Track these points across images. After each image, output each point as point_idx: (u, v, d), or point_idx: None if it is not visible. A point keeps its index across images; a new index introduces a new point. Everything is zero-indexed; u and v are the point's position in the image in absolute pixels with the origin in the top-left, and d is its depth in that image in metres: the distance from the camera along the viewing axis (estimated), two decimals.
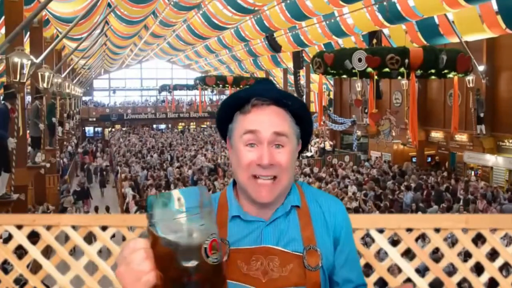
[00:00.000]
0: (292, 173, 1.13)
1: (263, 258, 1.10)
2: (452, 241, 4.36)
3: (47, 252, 2.46)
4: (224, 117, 1.18)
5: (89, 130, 38.39)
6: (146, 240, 0.83)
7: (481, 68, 15.77)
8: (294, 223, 1.14)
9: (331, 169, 17.38)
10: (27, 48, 11.00)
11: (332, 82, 25.60)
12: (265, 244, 1.11)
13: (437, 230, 1.60)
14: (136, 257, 0.81)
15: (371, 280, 1.56)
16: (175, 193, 0.83)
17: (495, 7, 12.47)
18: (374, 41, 13.72)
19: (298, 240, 1.12)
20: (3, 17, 9.55)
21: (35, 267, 1.98)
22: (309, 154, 20.88)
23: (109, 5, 14.30)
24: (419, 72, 10.28)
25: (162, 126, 38.86)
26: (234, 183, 1.20)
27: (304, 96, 24.08)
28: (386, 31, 16.91)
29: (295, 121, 1.15)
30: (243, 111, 1.13)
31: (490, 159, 16.12)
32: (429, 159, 19.74)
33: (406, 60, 9.62)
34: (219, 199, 1.19)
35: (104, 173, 20.38)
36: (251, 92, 1.14)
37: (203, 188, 0.87)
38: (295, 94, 24.80)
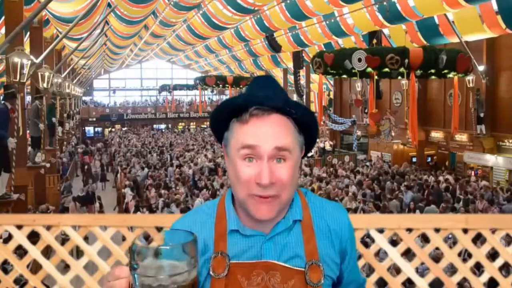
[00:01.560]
0: (294, 187, 1.06)
1: (264, 273, 1.05)
2: (454, 241, 4.35)
3: (47, 252, 2.45)
4: (218, 123, 1.08)
5: (89, 130, 38.39)
6: None
7: (481, 68, 15.77)
8: (297, 238, 1.09)
9: (331, 169, 17.38)
10: (27, 48, 11.00)
11: (332, 82, 25.61)
12: (266, 259, 1.06)
13: (437, 230, 1.60)
14: (117, 285, 0.83)
15: (371, 280, 1.56)
16: (162, 260, 0.79)
17: (495, 7, 12.47)
18: (374, 41, 13.73)
19: (300, 255, 1.07)
20: (3, 17, 9.54)
21: (35, 267, 1.98)
22: (309, 154, 20.86)
23: (109, 5, 14.30)
24: (419, 72, 10.29)
25: (162, 126, 38.89)
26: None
27: (304, 96, 24.10)
28: (386, 31, 16.91)
29: (298, 129, 1.06)
30: (240, 119, 1.02)
31: (490, 159, 16.13)
32: (429, 159, 19.76)
33: (406, 60, 9.63)
34: (217, 209, 1.13)
35: (105, 168, 20.42)
36: (250, 100, 1.02)
37: (187, 244, 0.81)
38: (295, 94, 24.85)
